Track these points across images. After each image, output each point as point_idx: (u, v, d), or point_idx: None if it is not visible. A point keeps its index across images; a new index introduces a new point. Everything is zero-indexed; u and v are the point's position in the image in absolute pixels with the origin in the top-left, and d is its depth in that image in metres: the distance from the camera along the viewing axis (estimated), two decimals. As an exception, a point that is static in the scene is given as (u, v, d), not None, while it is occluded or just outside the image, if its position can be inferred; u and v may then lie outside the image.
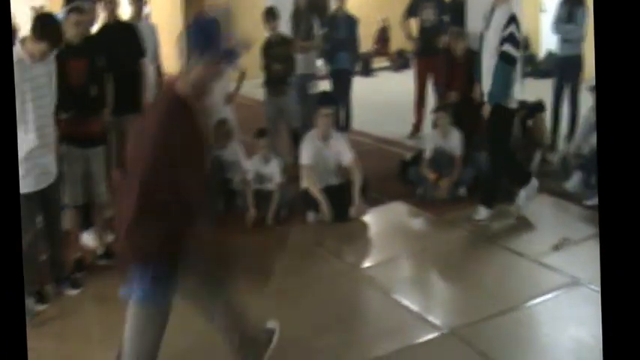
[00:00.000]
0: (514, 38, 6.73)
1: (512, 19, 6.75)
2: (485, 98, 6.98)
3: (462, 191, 7.86)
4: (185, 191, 3.65)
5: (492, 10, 6.93)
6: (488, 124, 7.11)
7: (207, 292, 4.12)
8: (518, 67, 7.00)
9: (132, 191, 3.68)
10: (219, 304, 4.18)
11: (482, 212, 7.16)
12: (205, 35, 5.75)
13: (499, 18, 6.81)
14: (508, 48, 6.72)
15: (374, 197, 7.74)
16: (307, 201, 7.36)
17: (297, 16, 10.05)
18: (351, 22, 10.49)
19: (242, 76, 8.93)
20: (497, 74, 6.80)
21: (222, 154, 7.86)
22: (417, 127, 10.66)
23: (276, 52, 9.11)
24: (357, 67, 17.49)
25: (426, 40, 10.47)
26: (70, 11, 6.05)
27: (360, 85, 13.63)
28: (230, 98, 8.82)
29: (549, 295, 5.52)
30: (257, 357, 4.37)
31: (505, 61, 6.74)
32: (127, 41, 7.23)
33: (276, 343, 4.44)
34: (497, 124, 7.02)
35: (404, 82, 12.99)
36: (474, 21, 8.77)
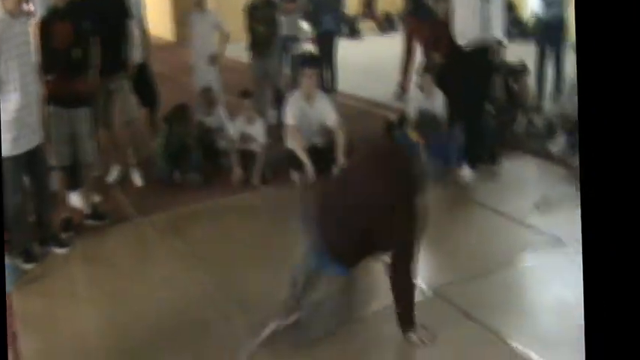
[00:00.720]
0: None
1: None
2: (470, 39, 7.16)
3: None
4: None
5: None
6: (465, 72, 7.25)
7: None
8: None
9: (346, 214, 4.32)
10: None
11: (466, 172, 7.25)
12: None
13: None
14: None
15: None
16: (291, 161, 7.43)
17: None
18: (337, -16, 10.51)
19: (226, 38, 8.99)
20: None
21: (207, 120, 7.95)
22: (403, 88, 10.70)
23: (260, 14, 9.15)
24: (344, 30, 17.56)
25: (415, 1, 10.50)
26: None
27: (346, 48, 13.66)
28: (214, 59, 8.89)
29: (532, 255, 5.62)
30: None
31: None
32: (112, 3, 7.23)
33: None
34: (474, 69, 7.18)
35: (390, 45, 13.00)
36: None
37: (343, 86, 10.95)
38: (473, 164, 7.28)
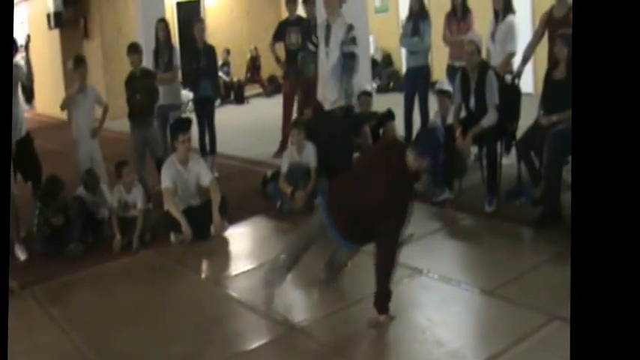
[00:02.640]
0: (354, 40, 7.57)
1: (351, 28, 7.65)
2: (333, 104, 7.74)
3: (318, 201, 8.25)
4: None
5: (328, 27, 7.56)
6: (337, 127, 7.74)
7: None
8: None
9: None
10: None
11: None
12: None
13: (337, 30, 7.47)
14: (351, 48, 7.68)
15: (236, 214, 8.08)
16: (169, 223, 7.63)
17: (158, 50, 10.40)
18: (210, 52, 10.82)
19: (105, 111, 9.24)
20: (347, 72, 7.71)
21: (92, 197, 8.07)
22: (283, 145, 11.02)
23: (139, 85, 9.43)
24: (231, 96, 18.02)
25: (292, 62, 10.91)
26: None
27: (233, 112, 14.02)
28: (95, 132, 9.12)
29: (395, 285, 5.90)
30: None
31: (350, 58, 7.70)
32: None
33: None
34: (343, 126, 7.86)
35: (275, 106, 13.41)
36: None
37: (228, 148, 11.26)
38: None
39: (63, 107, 9.44)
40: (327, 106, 7.76)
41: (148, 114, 9.49)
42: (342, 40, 7.65)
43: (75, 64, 9.29)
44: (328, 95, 7.75)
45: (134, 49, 9.61)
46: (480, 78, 7.71)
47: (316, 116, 8.35)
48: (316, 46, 8.15)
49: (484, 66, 7.85)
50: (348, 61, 7.69)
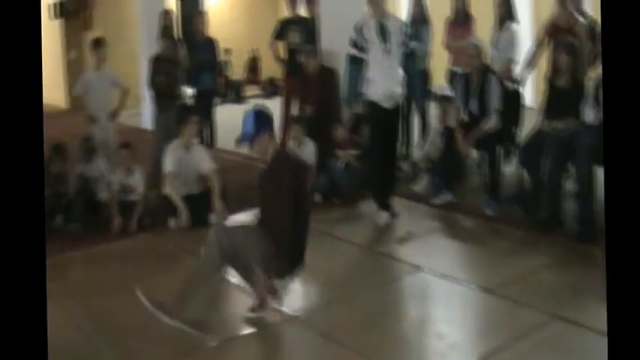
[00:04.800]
0: (354, 44, 7.58)
1: (406, 25, 8.01)
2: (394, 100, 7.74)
3: (317, 197, 8.36)
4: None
5: (381, 24, 7.57)
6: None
7: None
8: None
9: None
10: None
11: (383, 216, 7.66)
12: None
13: (394, 27, 7.61)
14: (411, 45, 7.99)
15: (235, 205, 8.06)
16: (168, 208, 7.65)
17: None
18: (211, 45, 10.82)
19: (125, 94, 9.22)
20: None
21: (88, 170, 8.10)
22: (283, 143, 10.99)
23: (163, 68, 9.58)
24: (230, 95, 18.00)
25: (293, 61, 10.90)
26: None
27: (232, 112, 13.91)
28: (113, 114, 9.10)
29: (395, 281, 5.95)
30: None
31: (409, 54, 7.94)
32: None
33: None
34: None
35: (274, 108, 13.39)
36: (327, 40, 9.40)
37: (228, 144, 11.22)
38: (386, 207, 7.71)
39: (76, 91, 9.46)
40: (389, 105, 7.71)
41: (172, 98, 9.59)
42: (402, 37, 7.68)
43: (94, 45, 9.34)
44: (394, 92, 7.73)
45: (168, 34, 9.72)
46: (482, 81, 7.75)
47: (376, 113, 8.15)
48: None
49: (486, 70, 7.89)
50: (406, 59, 7.81)
